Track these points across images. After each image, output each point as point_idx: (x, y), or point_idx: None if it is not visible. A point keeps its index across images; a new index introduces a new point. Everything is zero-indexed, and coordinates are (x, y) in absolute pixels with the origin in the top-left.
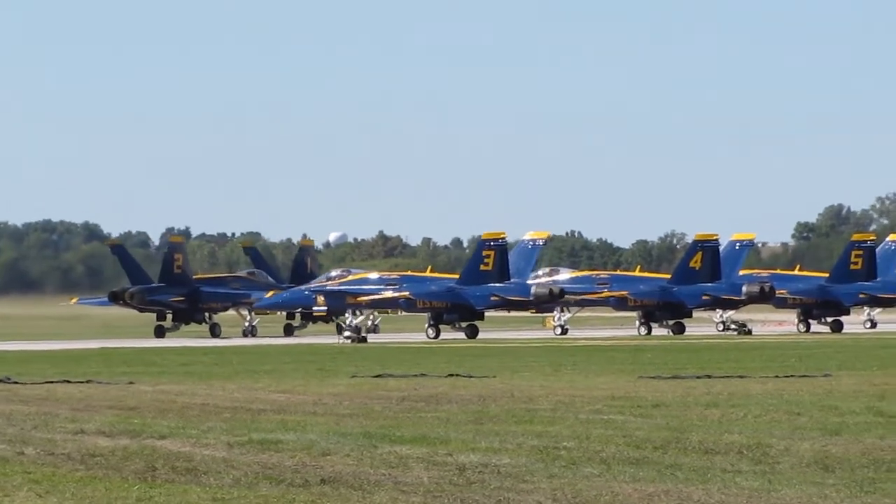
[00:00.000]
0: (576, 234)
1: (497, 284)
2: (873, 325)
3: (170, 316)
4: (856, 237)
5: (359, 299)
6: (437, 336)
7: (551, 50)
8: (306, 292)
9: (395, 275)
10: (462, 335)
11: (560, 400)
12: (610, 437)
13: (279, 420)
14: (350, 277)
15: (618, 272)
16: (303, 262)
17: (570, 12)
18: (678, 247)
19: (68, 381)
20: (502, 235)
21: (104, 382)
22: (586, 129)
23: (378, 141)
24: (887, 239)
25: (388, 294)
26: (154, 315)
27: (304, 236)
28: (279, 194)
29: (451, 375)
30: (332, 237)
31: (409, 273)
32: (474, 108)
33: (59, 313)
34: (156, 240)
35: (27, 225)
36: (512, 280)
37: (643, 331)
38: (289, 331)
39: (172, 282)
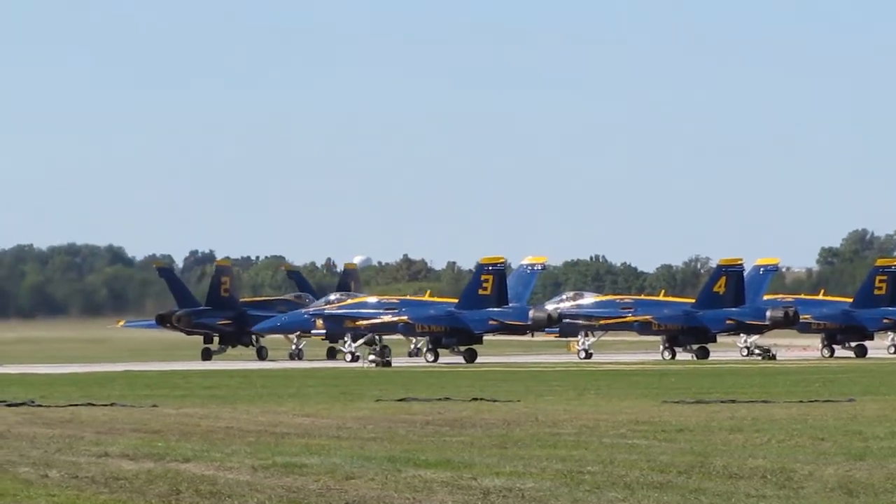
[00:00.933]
0: (600, 259)
1: (495, 309)
2: None
3: (216, 339)
4: (880, 262)
5: (357, 323)
6: (435, 360)
7: (577, 71)
8: (305, 315)
9: (394, 299)
10: (461, 359)
11: (584, 424)
12: (634, 462)
13: (303, 444)
14: (349, 301)
15: (642, 297)
16: (346, 285)
17: (588, 32)
18: (702, 271)
19: (92, 404)
20: (501, 260)
21: (128, 405)
22: (611, 154)
23: (404, 165)
24: None
25: (387, 318)
26: (201, 338)
27: (329, 260)
28: (302, 218)
29: (476, 399)
30: (357, 261)
31: (408, 297)
32: (501, 132)
33: (83, 336)
34: (180, 262)
35: (52, 248)
36: (510, 304)
37: (667, 355)
38: (331, 354)
39: (220, 305)
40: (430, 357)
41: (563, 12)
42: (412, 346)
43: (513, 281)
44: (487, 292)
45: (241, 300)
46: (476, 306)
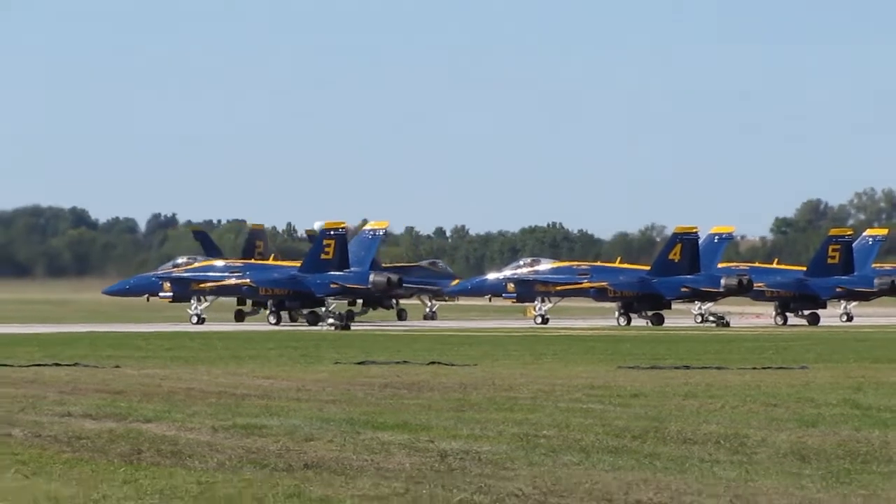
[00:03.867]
0: (557, 226)
1: (337, 272)
2: (849, 318)
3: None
4: (833, 232)
5: (202, 286)
6: (277, 322)
7: (536, 39)
8: (153, 278)
9: (239, 263)
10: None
11: (540, 388)
12: (589, 426)
13: (263, 405)
14: (196, 265)
15: (598, 263)
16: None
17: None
18: (658, 239)
19: (57, 364)
20: (342, 225)
21: (91, 366)
22: (570, 122)
23: (365, 130)
24: (864, 234)
25: (232, 281)
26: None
27: (290, 224)
28: (263, 182)
29: (433, 363)
30: (317, 226)
31: (253, 262)
32: (460, 100)
33: (47, 297)
34: (143, 225)
35: (16, 210)
36: (351, 268)
37: (622, 321)
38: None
39: None
40: (273, 319)
41: None
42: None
43: (354, 246)
44: (329, 256)
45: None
46: (318, 270)
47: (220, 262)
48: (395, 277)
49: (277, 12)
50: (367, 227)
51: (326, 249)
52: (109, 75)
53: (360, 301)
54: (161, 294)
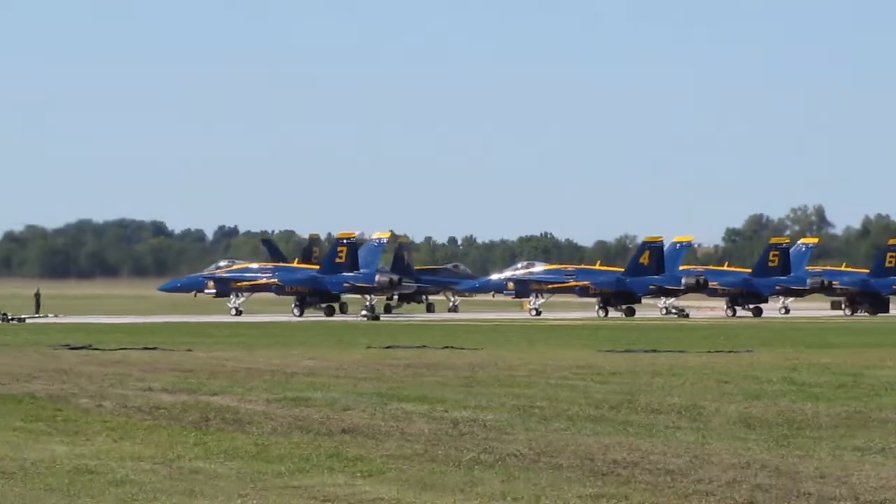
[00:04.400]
0: (548, 235)
1: (348, 273)
2: (787, 311)
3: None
4: (773, 240)
5: (239, 284)
6: (301, 314)
7: (526, 64)
8: (200, 278)
9: (269, 265)
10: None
11: (535, 368)
12: (574, 399)
13: (308, 381)
14: (234, 266)
15: (582, 266)
16: (400, 256)
17: (541, 25)
18: (630, 246)
19: (152, 349)
20: (353, 235)
21: (168, 349)
22: (558, 150)
23: (394, 156)
24: (798, 242)
25: (263, 280)
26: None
27: (329, 234)
28: (309, 197)
29: (447, 347)
30: (357, 234)
31: (279, 264)
32: (469, 132)
33: (132, 294)
34: (210, 234)
35: (107, 222)
36: (361, 270)
37: (601, 314)
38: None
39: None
40: (297, 312)
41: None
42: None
43: (364, 252)
44: (342, 260)
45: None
46: (334, 271)
47: (254, 265)
48: (395, 278)
49: (326, 46)
50: (374, 236)
51: (340, 254)
52: (177, 110)
53: (396, 297)
54: (206, 291)
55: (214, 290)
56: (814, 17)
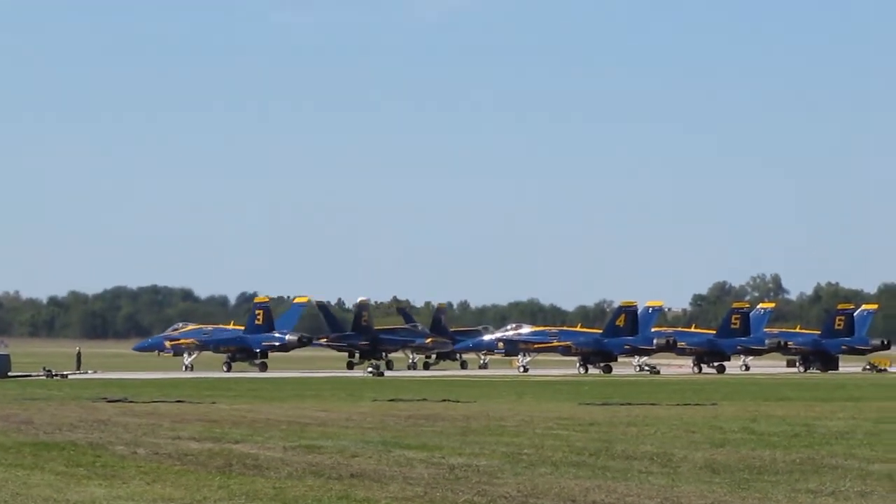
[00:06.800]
0: (535, 301)
1: (267, 334)
2: (747, 368)
3: (357, 354)
4: (735, 305)
5: (187, 343)
6: (229, 370)
7: (519, 138)
8: (160, 339)
9: (210, 327)
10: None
11: (522, 419)
12: (558, 446)
13: (321, 431)
14: (184, 329)
15: (564, 328)
16: (438, 318)
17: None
18: (608, 310)
19: (180, 402)
20: (267, 300)
21: (195, 402)
22: (541, 227)
23: (393, 224)
24: (758, 307)
25: (197, 341)
26: (346, 354)
27: (339, 299)
28: (319, 264)
29: (444, 400)
30: (360, 300)
31: (220, 326)
32: (465, 209)
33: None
34: (233, 300)
35: (140, 288)
36: (275, 332)
37: (582, 371)
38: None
39: (360, 330)
40: (226, 368)
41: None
42: (410, 360)
43: (289, 314)
44: (261, 322)
45: (376, 328)
46: (256, 332)
47: (208, 327)
48: (306, 338)
49: (361, 113)
50: (295, 301)
51: (258, 317)
52: (202, 187)
53: (357, 354)
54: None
55: (172, 350)
56: (771, 102)
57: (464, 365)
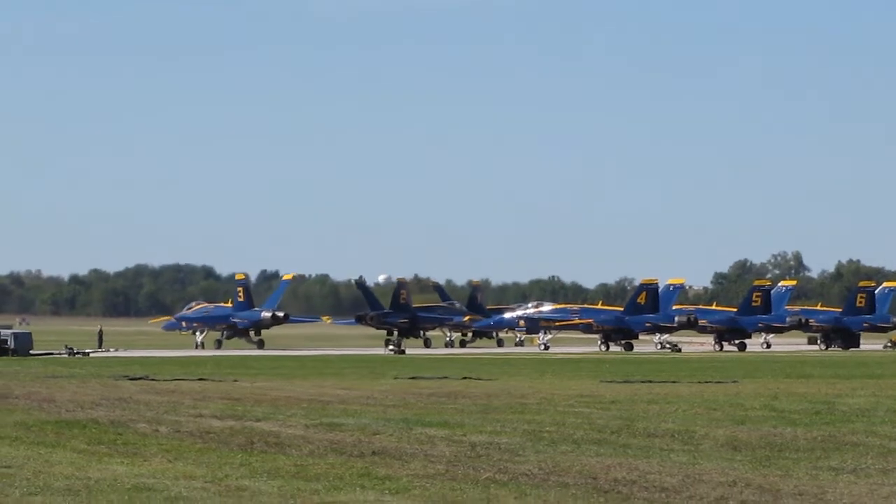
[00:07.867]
0: (555, 279)
1: (246, 311)
2: (768, 346)
3: (396, 332)
4: (756, 283)
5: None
6: (219, 347)
7: (537, 118)
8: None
9: (212, 305)
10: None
11: (544, 397)
12: (579, 424)
13: (342, 409)
14: (195, 307)
15: (586, 305)
16: (475, 297)
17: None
18: (629, 288)
19: (202, 379)
20: (242, 277)
21: (216, 380)
22: (564, 202)
23: (417, 204)
24: (779, 284)
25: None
26: (386, 331)
27: (361, 276)
28: (343, 243)
29: (465, 378)
30: (381, 278)
31: (220, 305)
32: (488, 176)
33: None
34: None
35: (162, 266)
36: (255, 308)
37: (603, 348)
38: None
39: (399, 309)
40: (217, 346)
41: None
42: (447, 338)
43: (275, 293)
44: (242, 299)
45: (414, 305)
46: (239, 310)
47: (202, 306)
48: (280, 314)
49: (374, 107)
50: (284, 278)
51: (240, 294)
52: (225, 164)
53: (396, 332)
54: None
55: (189, 329)
56: (791, 83)
57: (500, 343)
